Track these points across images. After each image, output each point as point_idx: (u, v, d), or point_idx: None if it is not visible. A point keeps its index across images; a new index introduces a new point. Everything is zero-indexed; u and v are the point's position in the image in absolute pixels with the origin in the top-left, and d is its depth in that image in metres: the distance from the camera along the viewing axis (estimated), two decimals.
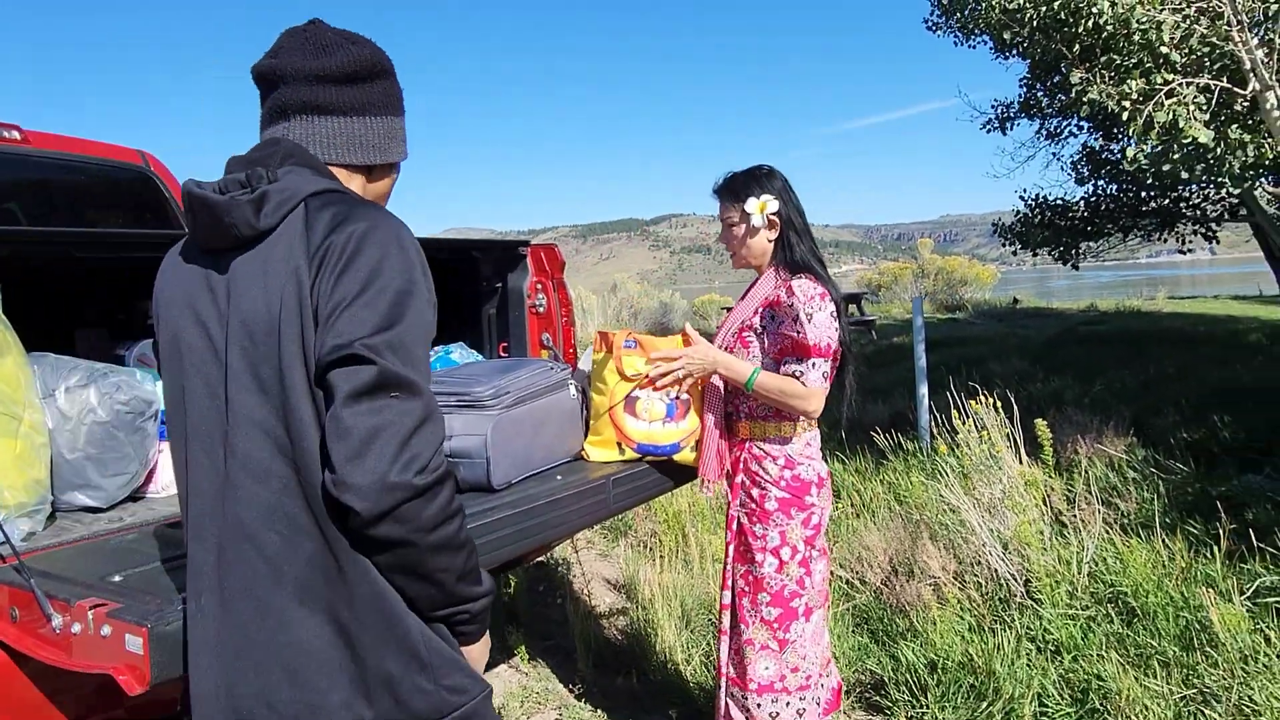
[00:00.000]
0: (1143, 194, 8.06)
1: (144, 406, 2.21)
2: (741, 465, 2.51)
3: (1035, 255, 8.19)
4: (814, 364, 2.35)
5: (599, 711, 3.29)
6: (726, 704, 2.55)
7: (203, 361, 1.27)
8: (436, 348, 3.29)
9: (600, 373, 2.55)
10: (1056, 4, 3.87)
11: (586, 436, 2.62)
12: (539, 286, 3.29)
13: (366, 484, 1.09)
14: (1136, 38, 3.63)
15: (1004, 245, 8.01)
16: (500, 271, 3.34)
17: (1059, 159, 8.04)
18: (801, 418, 2.45)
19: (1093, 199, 8.05)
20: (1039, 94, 7.46)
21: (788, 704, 2.46)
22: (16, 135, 3.75)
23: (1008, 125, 7.90)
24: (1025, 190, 7.98)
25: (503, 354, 3.37)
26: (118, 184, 4.11)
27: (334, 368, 1.14)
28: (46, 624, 1.60)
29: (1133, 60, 3.71)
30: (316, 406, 1.18)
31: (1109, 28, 3.62)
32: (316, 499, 1.17)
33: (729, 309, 2.67)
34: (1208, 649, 2.86)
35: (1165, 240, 8.06)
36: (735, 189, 2.50)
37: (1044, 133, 7.95)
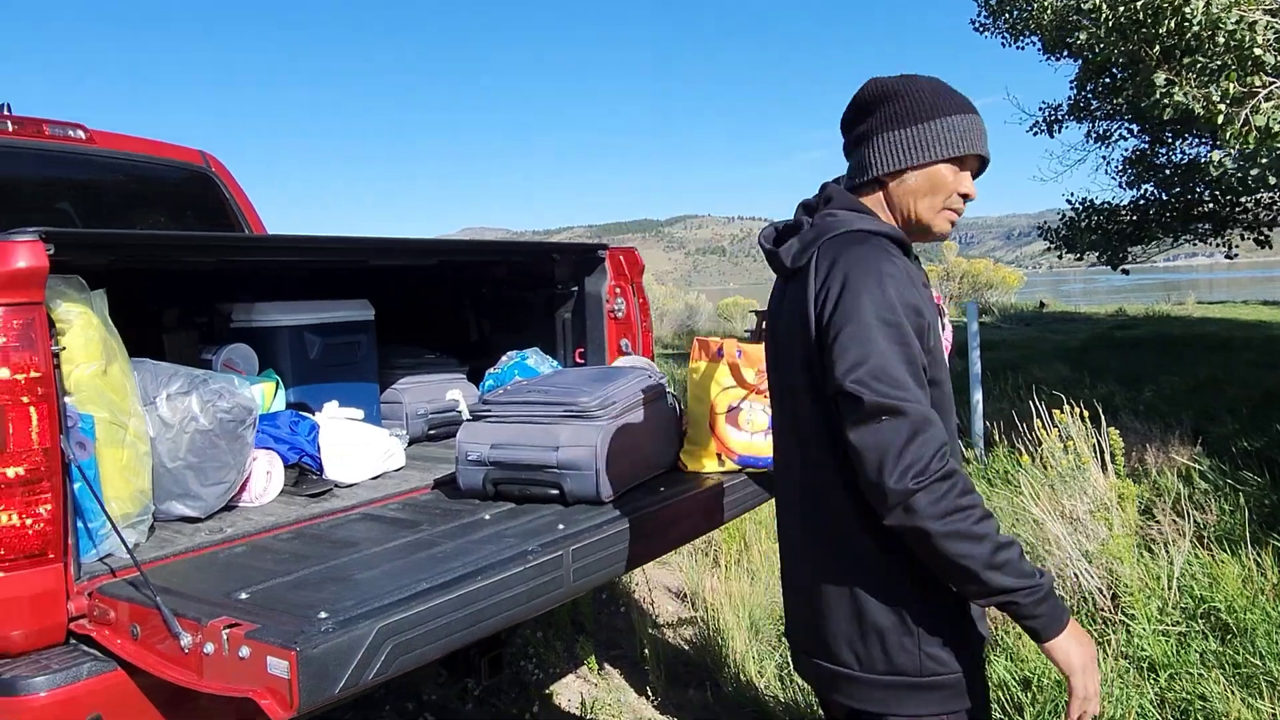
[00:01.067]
0: (1191, 198, 7.93)
1: (245, 414, 2.15)
2: None
3: (1080, 258, 8.07)
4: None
5: None
6: None
7: (773, 369, 1.64)
8: (511, 353, 3.23)
9: (699, 381, 2.48)
10: (1139, 4, 3.78)
11: (682, 447, 2.56)
12: (618, 290, 3.22)
13: (877, 491, 1.34)
14: (1222, 39, 3.53)
15: (1050, 249, 7.89)
16: (577, 275, 3.27)
17: (1108, 162, 7.92)
18: None
19: (1141, 203, 7.92)
20: (1089, 96, 7.34)
21: None
22: (82, 135, 3.72)
23: (1055, 128, 7.78)
24: (1072, 194, 7.87)
25: (579, 359, 3.30)
26: (179, 184, 4.08)
27: (837, 397, 1.38)
28: (173, 642, 1.54)
29: (1217, 63, 3.62)
30: (828, 423, 1.44)
31: (1195, 28, 3.53)
32: (837, 490, 1.46)
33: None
34: None
35: (1218, 244, 7.93)
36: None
37: (1093, 135, 7.83)
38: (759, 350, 2.48)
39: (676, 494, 2.27)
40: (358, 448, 2.57)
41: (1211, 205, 7.95)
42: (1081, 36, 4.99)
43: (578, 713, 3.31)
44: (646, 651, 3.58)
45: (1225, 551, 3.52)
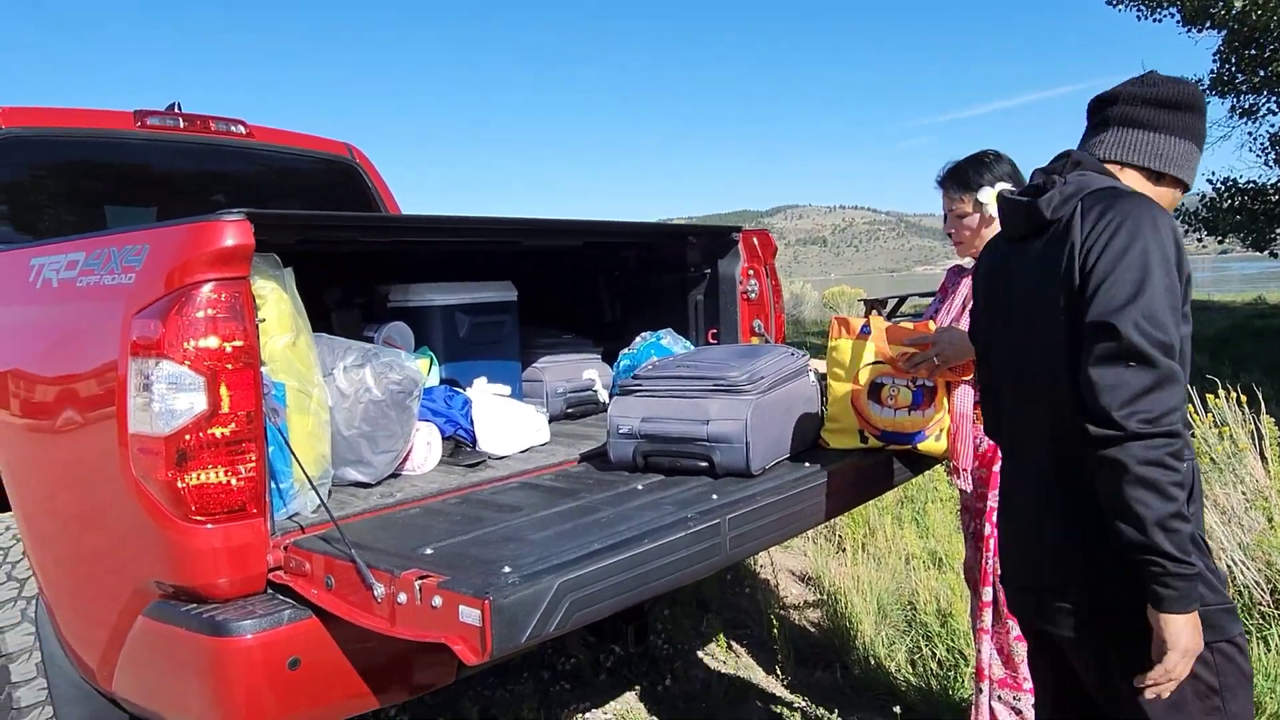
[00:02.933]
0: None
1: (412, 386, 2.28)
2: (993, 453, 2.41)
3: (1222, 241, 7.64)
4: None
5: (805, 701, 3.24)
6: (991, 708, 2.46)
7: (1007, 320, 1.69)
8: (646, 334, 3.29)
9: (840, 359, 2.49)
10: None
11: (823, 425, 2.57)
12: (751, 272, 3.25)
13: (1099, 417, 1.41)
14: None
15: (1188, 231, 7.50)
16: (710, 257, 3.31)
17: (1254, 138, 7.46)
18: None
19: (1245, 192, 7.44)
20: (1233, 69, 6.93)
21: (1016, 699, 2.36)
22: (243, 130, 3.96)
23: None
24: (1213, 173, 7.45)
25: (711, 340, 3.34)
26: (327, 175, 4.30)
27: (1092, 333, 1.44)
28: (366, 592, 1.66)
29: None
30: (1074, 363, 1.49)
31: None
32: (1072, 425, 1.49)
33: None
34: None
35: None
36: (965, 178, 2.40)
37: (1237, 110, 7.39)
38: (899, 328, 2.47)
39: (823, 469, 2.29)
40: (508, 422, 2.68)
41: None
42: (1238, 4, 4.73)
43: (707, 688, 3.36)
44: (775, 632, 3.61)
45: None
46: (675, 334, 3.29)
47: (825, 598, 3.95)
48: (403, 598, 1.59)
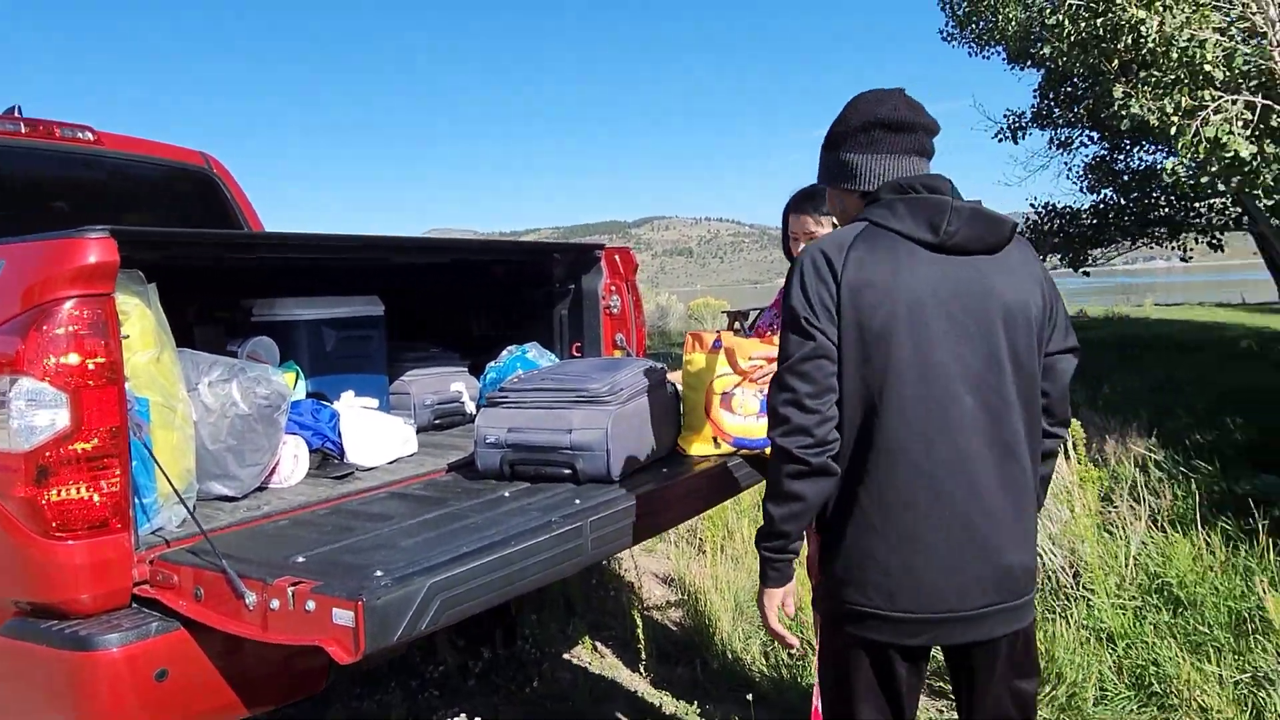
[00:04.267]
0: (1148, 203, 8.28)
1: (280, 400, 2.31)
2: None
3: (1044, 260, 8.38)
4: None
5: (666, 698, 3.40)
6: None
7: (957, 332, 1.69)
8: (511, 347, 3.40)
9: (695, 371, 2.68)
10: (1099, 21, 4.04)
11: (680, 433, 2.75)
12: (613, 288, 3.41)
13: (1067, 422, 1.88)
14: (1175, 55, 3.80)
15: None
16: (574, 273, 3.45)
17: (1070, 168, 8.25)
18: None
19: (1100, 207, 8.26)
20: (1051, 105, 7.65)
21: None
22: (90, 136, 3.83)
23: (1019, 134, 8.10)
24: (1035, 198, 8.19)
25: (576, 354, 3.48)
26: (183, 185, 4.20)
27: (1073, 352, 1.86)
28: (238, 601, 1.71)
29: (1170, 77, 3.88)
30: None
31: (1150, 45, 3.79)
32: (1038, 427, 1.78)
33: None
34: (1259, 635, 3.02)
35: (1174, 248, 8.30)
36: (819, 202, 2.63)
37: (1055, 142, 8.16)
38: (748, 342, 2.68)
39: (679, 474, 2.46)
40: (376, 434, 2.73)
41: (1167, 210, 8.30)
42: (1046, 50, 5.27)
43: (574, 688, 3.49)
44: (638, 632, 3.77)
45: (1177, 532, 3.79)
46: (540, 347, 3.41)
47: (686, 597, 4.14)
48: (276, 604, 1.65)
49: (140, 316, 1.98)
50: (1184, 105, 3.58)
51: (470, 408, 3.47)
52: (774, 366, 2.53)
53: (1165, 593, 3.42)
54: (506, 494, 2.30)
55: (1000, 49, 7.79)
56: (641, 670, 3.62)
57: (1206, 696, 2.81)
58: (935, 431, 1.66)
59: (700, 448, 2.67)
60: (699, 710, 3.23)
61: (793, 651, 2.34)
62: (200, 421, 2.21)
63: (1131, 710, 2.88)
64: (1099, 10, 4.18)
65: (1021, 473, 1.71)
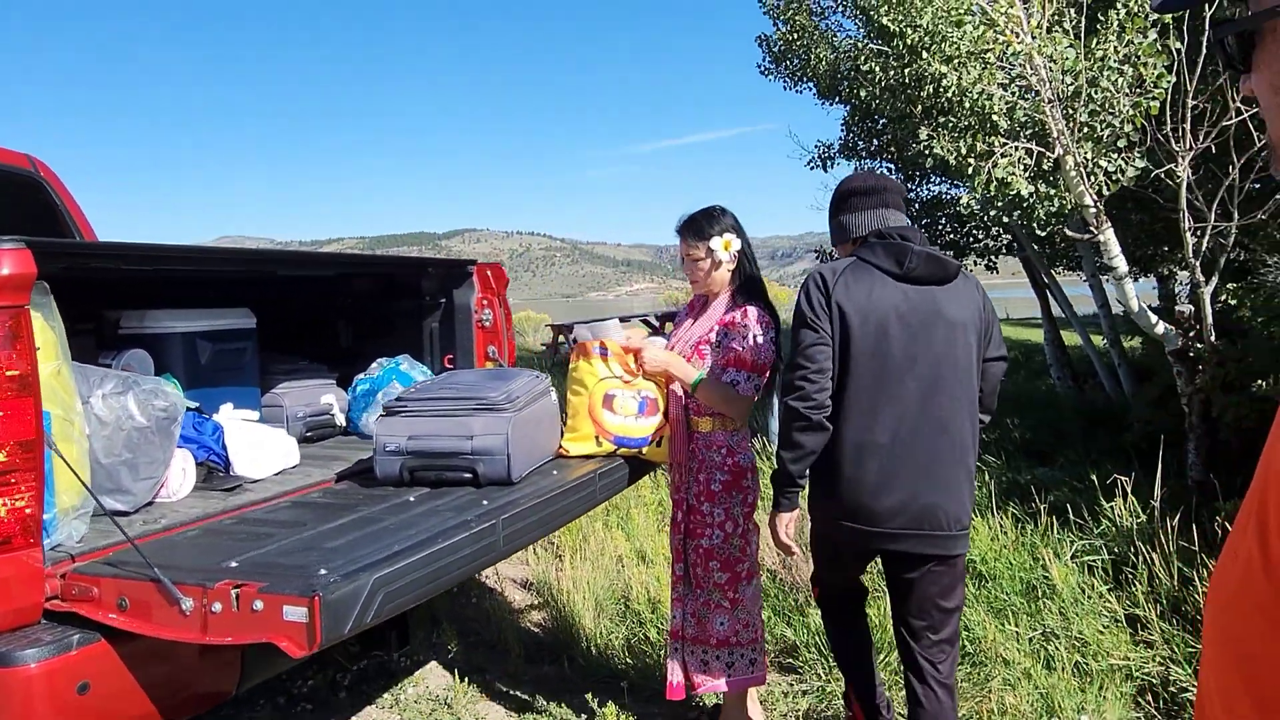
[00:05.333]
0: (937, 229, 9.26)
1: (176, 412, 2.31)
2: (692, 453, 2.94)
3: None
4: (749, 376, 2.82)
5: (537, 695, 3.56)
6: (685, 661, 2.95)
7: (908, 337, 2.35)
8: (383, 360, 3.47)
9: (580, 378, 2.89)
10: (906, 71, 4.61)
11: (563, 436, 2.94)
12: (485, 302, 3.55)
13: (993, 408, 2.64)
14: (968, 105, 4.41)
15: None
16: (446, 288, 3.57)
17: None
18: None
19: None
20: (856, 138, 8.42)
21: (742, 655, 2.92)
22: None
23: (828, 164, 8.85)
24: None
25: (448, 365, 3.59)
26: (6, 189, 3.94)
27: (1001, 359, 2.55)
28: (171, 608, 1.74)
29: (965, 123, 4.50)
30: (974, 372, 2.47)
31: (949, 94, 4.38)
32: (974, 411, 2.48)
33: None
34: (1046, 599, 3.57)
35: (964, 269, 9.31)
36: (700, 228, 2.92)
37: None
38: (621, 346, 2.93)
39: (570, 473, 2.65)
40: (261, 446, 2.74)
41: (952, 235, 9.31)
42: (861, 93, 5.88)
43: (445, 693, 3.57)
44: (505, 635, 3.91)
45: (977, 517, 4.36)
46: (412, 360, 3.50)
47: (548, 600, 4.31)
48: (217, 607, 1.70)
49: (42, 329, 1.95)
50: (977, 149, 4.17)
51: (341, 420, 3.50)
52: (641, 353, 2.82)
53: (971, 568, 3.94)
54: (411, 499, 2.40)
55: (812, 85, 8.50)
56: (511, 671, 3.75)
57: (1009, 652, 3.30)
58: (883, 405, 2.35)
59: (582, 448, 2.87)
60: (569, 704, 3.41)
61: (793, 556, 2.94)
62: (94, 435, 2.18)
63: None
64: (906, 62, 4.76)
65: (949, 442, 2.38)
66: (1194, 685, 3.06)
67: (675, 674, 2.96)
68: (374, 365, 3.47)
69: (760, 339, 2.82)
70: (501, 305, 3.59)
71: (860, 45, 7.01)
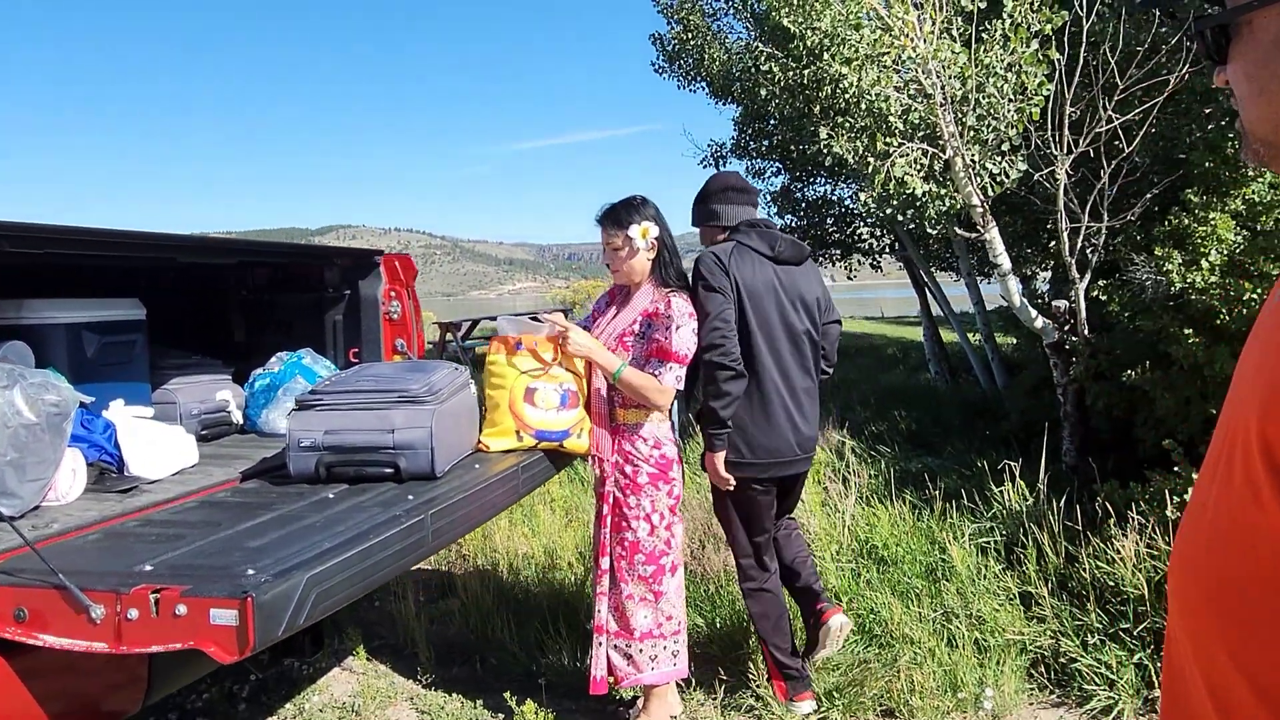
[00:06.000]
0: (823, 229, 9.54)
1: (69, 407, 2.14)
2: (617, 447, 2.92)
3: None
4: (672, 368, 2.83)
5: (450, 697, 3.47)
6: (609, 655, 2.93)
7: (794, 308, 3.00)
8: (283, 354, 3.32)
9: (499, 371, 2.83)
10: (806, 72, 4.73)
11: (482, 430, 2.88)
12: (393, 294, 3.43)
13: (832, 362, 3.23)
14: (865, 106, 4.56)
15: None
16: (350, 279, 3.43)
17: (765, 194, 9.29)
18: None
19: (786, 230, 9.41)
20: (748, 137, 8.59)
21: (665, 647, 2.92)
22: None
23: (721, 163, 8.99)
24: None
25: (354, 359, 3.46)
26: None
27: (836, 323, 3.17)
28: (80, 616, 1.61)
29: (863, 123, 4.65)
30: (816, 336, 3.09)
31: (848, 96, 4.52)
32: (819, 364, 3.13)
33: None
34: (945, 580, 3.73)
35: (848, 267, 9.62)
36: (618, 217, 2.90)
37: (751, 172, 9.16)
38: (544, 341, 2.88)
39: (493, 467, 2.59)
40: (157, 445, 2.57)
41: (838, 235, 9.62)
42: (761, 92, 5.99)
43: (352, 700, 3.44)
44: (413, 637, 3.79)
45: (877, 505, 4.52)
46: (315, 354, 3.35)
47: (456, 600, 4.21)
48: (133, 614, 1.58)
49: None
50: (876, 149, 4.32)
51: (238, 417, 3.32)
52: (566, 333, 2.79)
53: (874, 554, 4.08)
54: (330, 495, 2.30)
55: (705, 84, 8.62)
56: (421, 674, 3.64)
57: (913, 631, 3.43)
58: (772, 362, 2.94)
59: (502, 442, 2.82)
60: (485, 704, 3.34)
61: (730, 487, 3.01)
62: None
63: (860, 651, 3.43)
64: (805, 63, 4.88)
65: (811, 388, 3.07)
66: (1082, 655, 3.26)
67: (598, 669, 2.94)
68: (274, 360, 3.31)
69: (684, 330, 2.83)
70: (410, 297, 3.49)
71: (752, 47, 7.16)
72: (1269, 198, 4.26)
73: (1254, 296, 3.84)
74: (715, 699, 3.30)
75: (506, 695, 3.22)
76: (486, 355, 2.90)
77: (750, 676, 3.30)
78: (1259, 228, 4.21)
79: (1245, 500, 0.82)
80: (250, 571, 1.64)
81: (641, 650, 2.91)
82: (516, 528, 5.00)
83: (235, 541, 1.88)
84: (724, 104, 8.53)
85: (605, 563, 2.96)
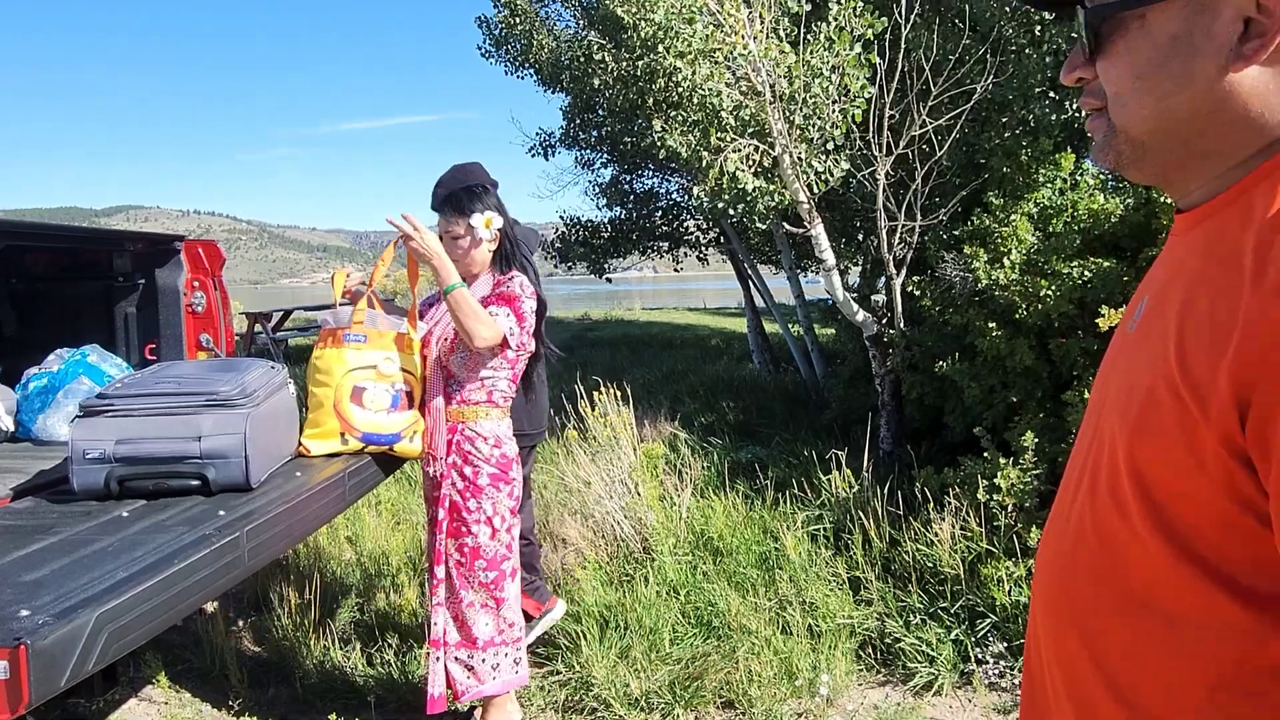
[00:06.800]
0: (651, 222, 9.63)
1: None
2: (454, 447, 2.76)
3: (570, 268, 9.30)
4: (508, 314, 2.66)
5: (268, 718, 3.21)
6: (447, 668, 2.78)
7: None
8: (63, 351, 2.95)
9: (325, 367, 2.61)
10: (639, 64, 4.69)
11: (303, 432, 2.65)
12: (197, 284, 3.11)
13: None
14: (697, 101, 4.58)
15: (548, 259, 8.98)
16: (146, 267, 3.08)
17: (593, 185, 9.25)
18: (500, 403, 2.78)
19: (615, 222, 9.42)
20: (577, 129, 8.51)
21: (506, 654, 2.80)
22: None
23: (549, 152, 8.86)
24: (565, 212, 9.04)
25: (150, 356, 3.11)
26: None
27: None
28: None
29: (695, 117, 4.67)
30: None
31: (681, 89, 4.52)
32: None
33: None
34: (779, 569, 3.81)
35: (675, 260, 9.75)
36: (460, 205, 2.73)
37: (580, 162, 9.09)
38: (384, 337, 2.68)
39: (315, 474, 2.38)
40: None
41: (666, 228, 9.73)
42: (595, 81, 5.91)
43: None
44: (223, 659, 3.48)
45: (712, 496, 4.58)
46: (103, 351, 2.99)
47: (263, 617, 3.90)
48: None
49: None
50: (710, 144, 4.35)
51: (8, 424, 2.90)
52: (414, 235, 2.58)
53: (710, 545, 4.12)
54: (124, 514, 2.02)
55: (533, 72, 8.46)
56: (233, 699, 3.34)
57: (749, 622, 3.48)
58: (542, 353, 2.99)
59: (326, 445, 2.60)
60: None
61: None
62: None
63: (699, 643, 3.44)
64: (639, 54, 4.85)
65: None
66: (905, 635, 3.42)
67: (437, 685, 2.78)
68: (52, 357, 2.92)
69: (527, 302, 2.70)
70: (217, 288, 3.17)
71: (582, 36, 7.08)
72: (1058, 202, 4.64)
73: (1049, 293, 4.15)
74: (555, 703, 3.22)
75: (332, 717, 3.00)
76: (314, 350, 2.66)
77: (588, 677, 3.23)
78: (1050, 229, 4.56)
79: (1111, 514, 0.82)
80: (24, 613, 1.39)
81: (484, 660, 2.77)
82: (339, 533, 4.71)
83: (6, 576, 1.61)
84: (553, 92, 8.40)
85: (441, 571, 2.80)
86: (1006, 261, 4.40)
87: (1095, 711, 0.86)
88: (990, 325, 4.40)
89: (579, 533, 4.02)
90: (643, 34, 4.59)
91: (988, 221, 4.66)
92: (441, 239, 2.75)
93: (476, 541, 2.73)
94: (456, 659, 2.79)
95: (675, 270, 10.76)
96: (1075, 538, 0.90)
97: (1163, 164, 0.84)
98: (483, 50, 8.65)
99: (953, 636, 3.38)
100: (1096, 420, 0.90)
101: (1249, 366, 0.68)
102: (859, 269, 8.02)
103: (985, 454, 3.98)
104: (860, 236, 6.74)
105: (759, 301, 10.13)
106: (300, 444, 2.61)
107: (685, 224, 9.93)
